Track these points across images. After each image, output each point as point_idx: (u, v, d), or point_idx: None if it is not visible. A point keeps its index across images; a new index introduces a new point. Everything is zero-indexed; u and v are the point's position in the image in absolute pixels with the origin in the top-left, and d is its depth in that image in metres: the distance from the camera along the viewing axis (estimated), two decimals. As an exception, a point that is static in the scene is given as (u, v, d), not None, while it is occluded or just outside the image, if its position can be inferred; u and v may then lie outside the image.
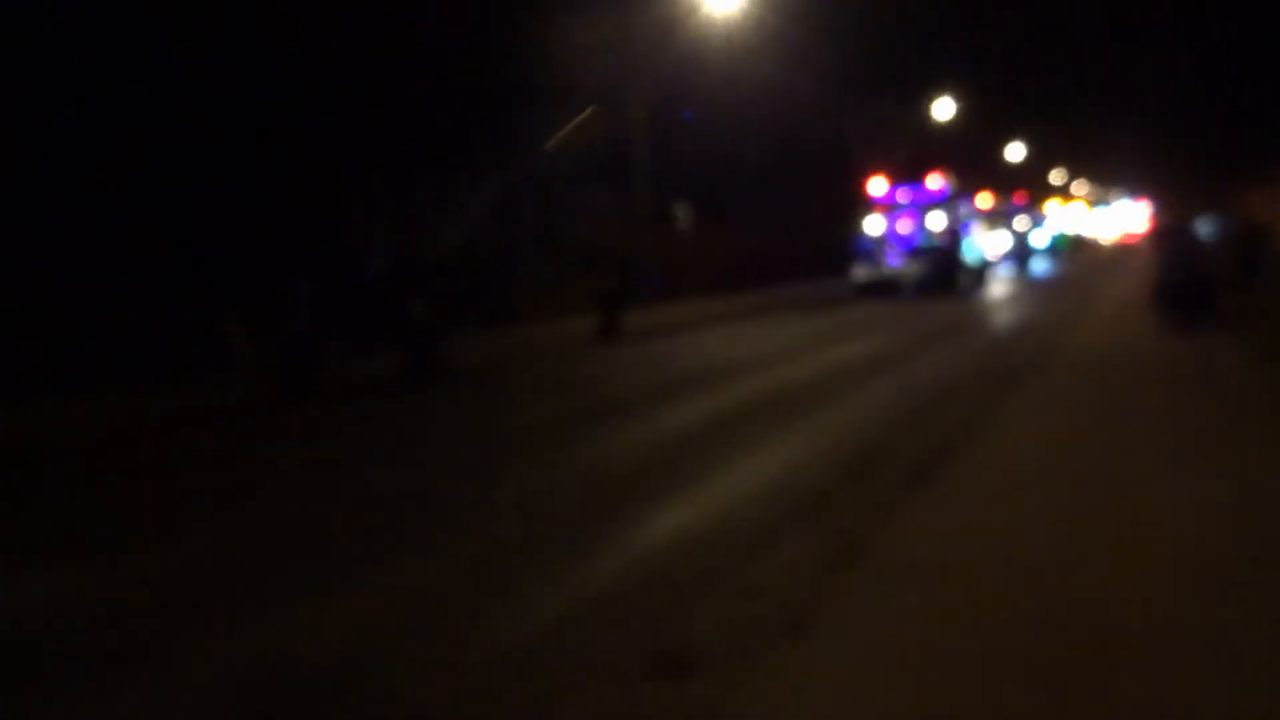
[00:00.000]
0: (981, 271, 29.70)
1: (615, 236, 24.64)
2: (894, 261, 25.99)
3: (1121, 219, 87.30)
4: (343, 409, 11.77)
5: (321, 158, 16.89)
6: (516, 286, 20.50)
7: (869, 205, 26.90)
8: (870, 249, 26.21)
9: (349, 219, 18.37)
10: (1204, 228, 30.55)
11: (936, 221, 26.42)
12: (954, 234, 26.86)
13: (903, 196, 26.80)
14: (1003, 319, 20.51)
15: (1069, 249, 55.10)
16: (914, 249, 25.98)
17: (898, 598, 4.45)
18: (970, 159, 39.83)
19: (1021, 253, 38.68)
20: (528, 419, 10.74)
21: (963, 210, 28.37)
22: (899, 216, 26.61)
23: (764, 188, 33.17)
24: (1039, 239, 45.26)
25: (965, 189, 30.62)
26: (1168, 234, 15.42)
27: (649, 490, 7.05)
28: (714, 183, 31.53)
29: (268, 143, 15.70)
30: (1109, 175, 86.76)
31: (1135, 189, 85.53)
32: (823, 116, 31.52)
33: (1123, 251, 56.11)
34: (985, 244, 31.42)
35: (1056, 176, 71.65)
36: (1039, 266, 39.92)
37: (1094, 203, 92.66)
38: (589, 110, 23.63)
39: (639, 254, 23.87)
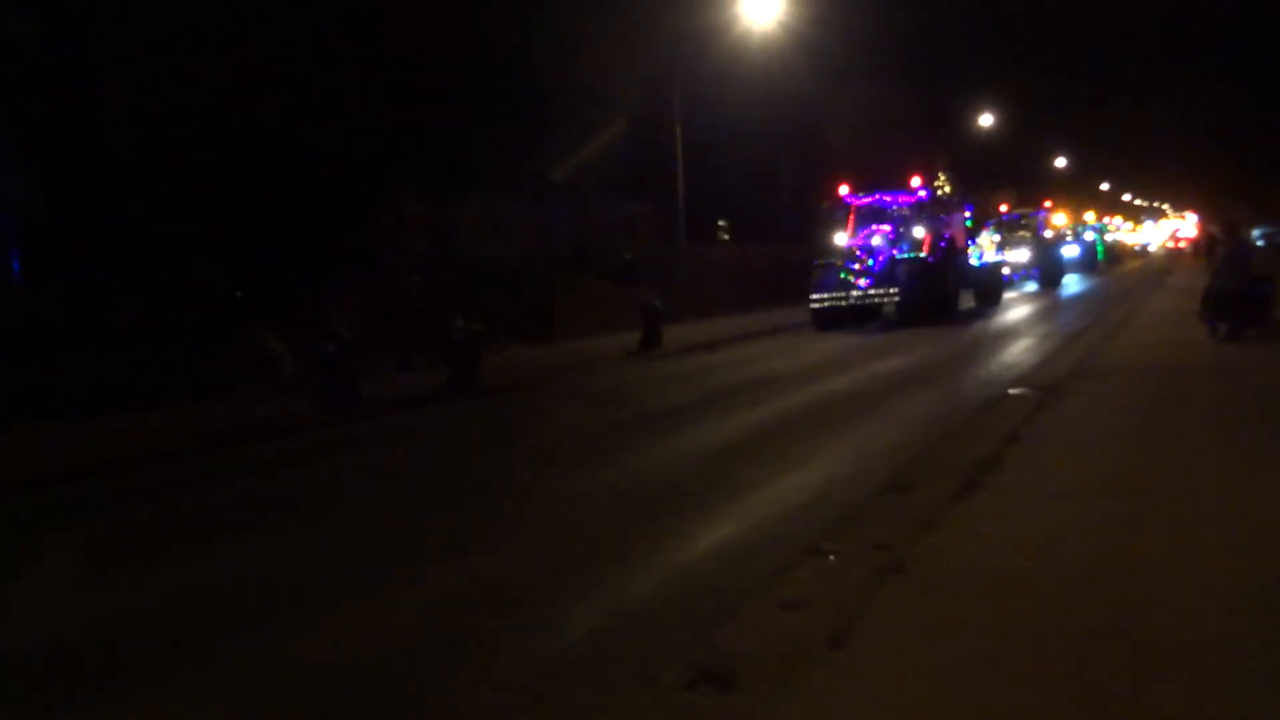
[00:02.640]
0: (994, 289, 25.34)
1: (653, 251, 24.70)
2: (864, 283, 20.74)
3: (1169, 228, 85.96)
4: (382, 423, 11.85)
5: (360, 173, 17.14)
6: (555, 301, 20.59)
7: (838, 214, 22.21)
8: (833, 268, 21.09)
9: (388, 235, 18.60)
10: (1255, 236, 29.47)
11: (923, 232, 21.65)
12: (948, 246, 22.03)
13: (880, 202, 22.26)
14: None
15: (1109, 260, 51.33)
16: (891, 266, 20.73)
17: (940, 611, 4.36)
18: (994, 166, 38.61)
19: (1049, 266, 33.97)
20: (569, 433, 10.76)
21: (968, 218, 24.23)
22: (873, 227, 21.75)
23: (798, 201, 33.11)
24: (1070, 250, 40.57)
25: (975, 194, 26.90)
26: (1218, 241, 14.97)
27: (692, 502, 7.01)
28: (750, 197, 31.56)
29: (307, 159, 15.96)
30: (1157, 185, 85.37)
31: (1182, 198, 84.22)
32: (855, 122, 31.10)
33: (1171, 260, 54.66)
34: (999, 256, 27.22)
35: (1102, 185, 70.66)
36: (1069, 281, 35.44)
37: (1141, 212, 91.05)
38: (620, 123, 23.71)
39: (677, 269, 23.91)
